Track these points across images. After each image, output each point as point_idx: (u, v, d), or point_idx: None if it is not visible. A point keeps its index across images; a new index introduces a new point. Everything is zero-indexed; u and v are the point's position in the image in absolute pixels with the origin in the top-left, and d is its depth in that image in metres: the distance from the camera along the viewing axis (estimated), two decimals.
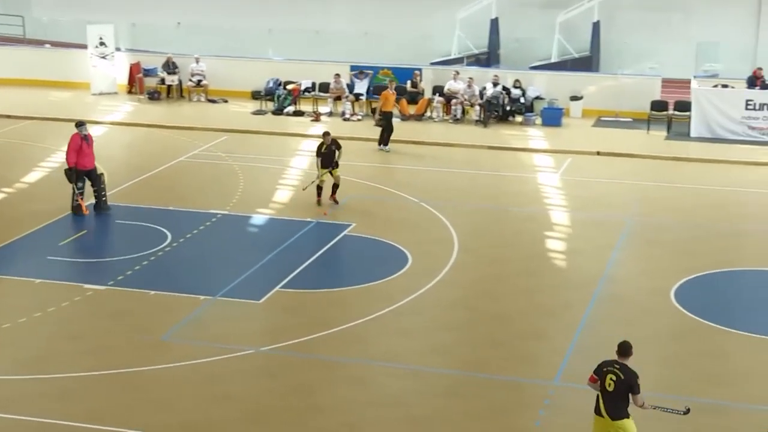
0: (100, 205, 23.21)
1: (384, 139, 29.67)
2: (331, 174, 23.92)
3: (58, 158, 28.14)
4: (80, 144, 23.05)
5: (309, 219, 23.16)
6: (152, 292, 18.99)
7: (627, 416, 12.49)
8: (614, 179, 26.98)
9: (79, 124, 23.51)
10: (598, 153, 29.59)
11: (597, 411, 12.61)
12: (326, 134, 24.08)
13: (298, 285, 19.50)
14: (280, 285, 19.37)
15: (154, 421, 14.43)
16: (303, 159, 29.13)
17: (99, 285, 19.26)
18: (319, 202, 23.81)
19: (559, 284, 19.86)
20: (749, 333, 17.44)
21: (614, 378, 12.49)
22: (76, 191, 23.05)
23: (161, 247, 21.24)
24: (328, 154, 23.79)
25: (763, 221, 23.53)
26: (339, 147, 23.89)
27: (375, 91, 34.55)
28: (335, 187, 24.00)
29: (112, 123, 33.10)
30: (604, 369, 12.61)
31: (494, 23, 39.00)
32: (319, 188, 23.91)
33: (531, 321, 18.09)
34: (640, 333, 17.46)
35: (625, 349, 12.72)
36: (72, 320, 17.96)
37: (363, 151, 29.14)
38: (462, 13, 38.89)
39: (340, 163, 23.93)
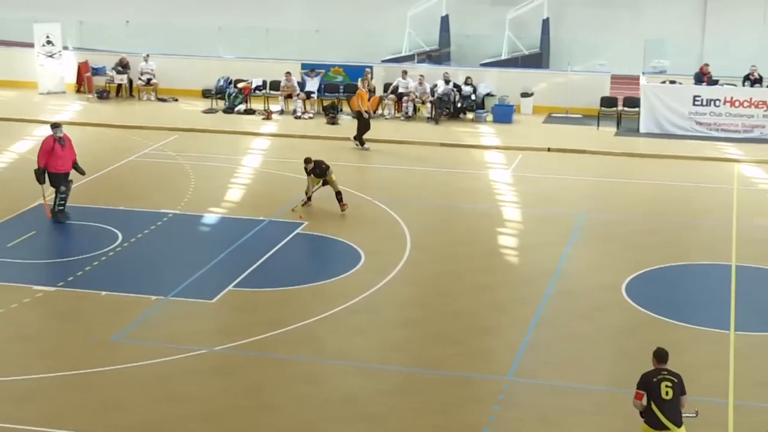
0: (55, 212, 22.59)
1: (360, 137, 29.60)
2: (328, 183, 23.52)
3: (5, 158, 27.81)
4: (52, 146, 22.36)
5: (261, 218, 23.07)
6: (103, 293, 18.81)
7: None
8: (565, 175, 27.16)
9: (54, 126, 22.79)
10: (549, 149, 29.78)
11: (657, 426, 12.19)
12: (308, 161, 23.61)
13: (251, 284, 19.41)
14: (232, 284, 19.28)
15: (106, 423, 14.30)
16: (254, 157, 29.04)
17: (49, 286, 19.04)
18: (297, 210, 23.40)
19: (512, 280, 19.96)
20: (699, 326, 17.64)
21: (670, 384, 12.28)
22: (59, 194, 22.36)
23: (112, 247, 21.05)
24: (316, 168, 23.49)
25: (712, 216, 23.81)
26: (328, 167, 23.48)
27: (327, 89, 34.54)
28: (338, 195, 23.41)
29: (61, 123, 32.69)
30: (654, 379, 12.34)
31: (444, 20, 39.11)
32: (309, 198, 23.60)
33: (484, 317, 18.16)
34: (592, 328, 17.64)
35: (663, 355, 12.55)
36: (22, 322, 17.73)
37: (314, 149, 29.07)
38: (412, 11, 38.95)
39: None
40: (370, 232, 22.36)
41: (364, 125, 29.71)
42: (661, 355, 12.58)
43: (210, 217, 23.54)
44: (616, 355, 16.78)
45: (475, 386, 15.65)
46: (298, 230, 22.28)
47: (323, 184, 23.52)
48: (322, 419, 14.54)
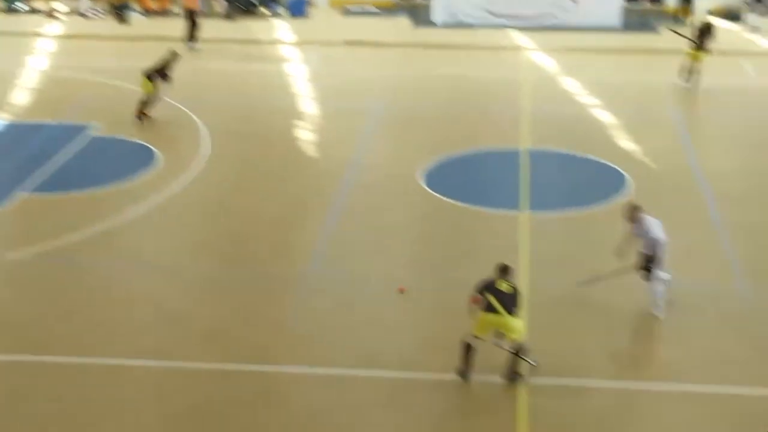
0: None
1: (192, 36, 28.62)
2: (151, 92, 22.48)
3: None
4: None
5: (50, 121, 22.18)
6: None
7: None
8: (362, 68, 27.18)
9: None
10: (346, 42, 29.68)
11: (488, 309, 12.60)
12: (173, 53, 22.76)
13: (44, 189, 18.73)
14: (24, 190, 18.55)
15: None
16: (39, 59, 27.79)
17: None
18: (141, 117, 22.54)
19: (311, 174, 19.95)
20: (494, 209, 18.12)
21: (510, 284, 12.78)
22: None
23: None
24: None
25: (504, 102, 24.33)
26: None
27: None
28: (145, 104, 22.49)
29: None
30: (489, 282, 12.80)
31: None
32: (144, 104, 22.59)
33: (284, 212, 18.11)
34: (392, 218, 17.87)
35: (504, 269, 12.95)
36: None
37: (105, 49, 28.08)
38: None
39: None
40: (167, 132, 21.87)
41: (194, 23, 28.83)
42: (502, 270, 12.97)
43: None
44: (415, 243, 17.07)
45: (279, 280, 15.66)
46: (90, 132, 21.55)
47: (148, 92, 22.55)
48: (117, 319, 14.25)
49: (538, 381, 12.80)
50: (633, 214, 14.37)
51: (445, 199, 18.60)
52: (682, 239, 16.84)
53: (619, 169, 19.93)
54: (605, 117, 23.26)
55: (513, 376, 12.81)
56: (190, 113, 22.82)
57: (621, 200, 18.36)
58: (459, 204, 18.36)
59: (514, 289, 12.81)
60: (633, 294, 14.16)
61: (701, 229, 17.31)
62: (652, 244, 14.10)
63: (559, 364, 13.13)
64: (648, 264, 14.19)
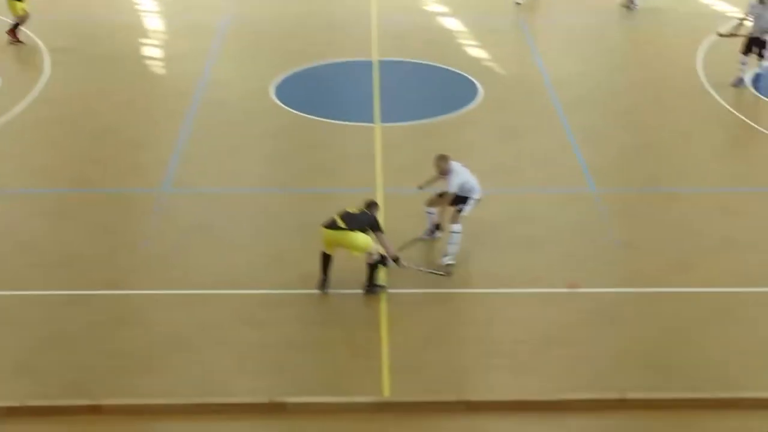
0: None
1: None
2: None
3: None
4: None
5: None
6: None
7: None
8: None
9: None
10: None
11: (330, 226, 12.75)
12: None
13: None
14: None
15: None
16: None
17: None
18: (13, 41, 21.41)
19: (160, 93, 19.52)
20: (347, 122, 18.10)
21: (358, 208, 12.90)
22: None
23: None
24: None
25: (354, 13, 23.98)
26: None
27: None
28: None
29: None
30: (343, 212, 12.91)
31: None
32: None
33: (133, 133, 17.68)
34: (244, 134, 17.67)
35: (371, 204, 13.03)
36: None
37: None
38: None
39: None
40: (5, 54, 20.99)
41: None
42: (367, 205, 13.03)
43: None
44: (270, 158, 16.95)
45: (132, 202, 15.36)
46: None
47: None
48: None
49: (396, 291, 13.01)
50: (443, 166, 13.52)
51: (298, 113, 18.47)
52: (534, 145, 17.21)
53: (469, 77, 20.10)
54: (454, 25, 23.34)
55: (371, 288, 12.97)
56: (31, 34, 21.89)
57: (473, 107, 18.63)
58: (312, 118, 18.26)
59: (364, 213, 12.91)
60: (487, 207, 14.32)
61: (552, 135, 17.65)
62: (467, 190, 13.60)
63: (417, 275, 13.32)
64: (457, 204, 13.59)
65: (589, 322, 12.56)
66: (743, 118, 18.41)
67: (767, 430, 10.85)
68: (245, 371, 11.65)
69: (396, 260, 13.04)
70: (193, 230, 14.48)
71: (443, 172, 13.52)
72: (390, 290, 13.04)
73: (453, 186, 13.44)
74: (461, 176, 13.51)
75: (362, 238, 12.78)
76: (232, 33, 22.67)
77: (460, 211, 13.63)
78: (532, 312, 12.78)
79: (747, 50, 19.38)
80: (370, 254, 12.79)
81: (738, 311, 12.83)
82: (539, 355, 11.97)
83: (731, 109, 18.69)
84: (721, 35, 20.24)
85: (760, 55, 19.42)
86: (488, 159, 16.54)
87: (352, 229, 12.71)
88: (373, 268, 12.90)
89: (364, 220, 12.86)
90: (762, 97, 19.27)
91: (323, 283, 13.00)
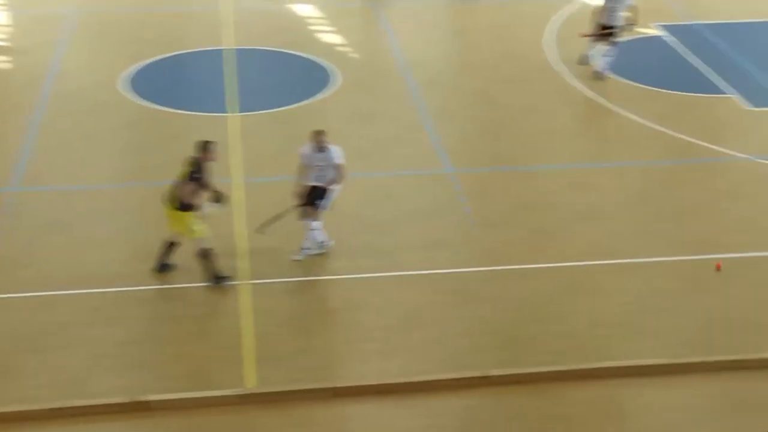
0: None
1: None
2: None
3: None
4: None
5: None
6: None
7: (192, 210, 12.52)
8: None
9: None
10: None
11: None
12: None
13: None
14: None
15: None
16: None
17: None
18: None
19: (6, 86, 18.92)
20: (203, 113, 17.83)
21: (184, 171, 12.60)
22: None
23: None
24: None
25: (205, 2, 23.61)
26: None
27: None
28: None
29: None
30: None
31: None
32: None
33: None
34: (95, 126, 17.27)
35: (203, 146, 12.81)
36: None
37: None
38: None
39: None
40: None
41: None
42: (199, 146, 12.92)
43: None
44: (122, 151, 16.59)
45: None
46: None
47: None
48: None
49: (260, 282, 12.91)
50: (323, 138, 13.25)
51: (150, 105, 18.12)
52: (391, 128, 17.30)
53: (325, 62, 20.04)
54: (307, 11, 23.20)
55: (214, 279, 12.75)
56: None
57: (330, 93, 18.62)
58: (165, 109, 17.94)
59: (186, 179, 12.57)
60: (345, 192, 14.26)
61: (408, 117, 17.75)
62: (337, 171, 13.32)
63: (280, 263, 13.23)
64: (316, 199, 13.30)
65: (449, 302, 12.68)
66: (591, 95, 18.84)
67: (627, 396, 11.16)
68: (104, 371, 11.36)
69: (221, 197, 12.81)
70: (47, 229, 14.07)
71: (323, 146, 13.29)
72: (254, 281, 12.89)
73: (340, 157, 13.24)
74: (338, 155, 13.34)
75: (186, 219, 12.48)
76: (80, 24, 22.05)
77: (316, 206, 13.31)
78: (393, 295, 12.83)
79: (598, 37, 19.32)
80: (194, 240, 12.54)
81: (594, 283, 13.14)
82: (402, 337, 12.03)
83: (580, 87, 19.11)
84: (584, 36, 19.90)
85: (609, 42, 19.29)
86: (346, 143, 16.33)
87: (174, 207, 12.50)
88: (205, 258, 12.62)
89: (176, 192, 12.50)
90: (608, 74, 19.65)
91: (159, 265, 12.93)
